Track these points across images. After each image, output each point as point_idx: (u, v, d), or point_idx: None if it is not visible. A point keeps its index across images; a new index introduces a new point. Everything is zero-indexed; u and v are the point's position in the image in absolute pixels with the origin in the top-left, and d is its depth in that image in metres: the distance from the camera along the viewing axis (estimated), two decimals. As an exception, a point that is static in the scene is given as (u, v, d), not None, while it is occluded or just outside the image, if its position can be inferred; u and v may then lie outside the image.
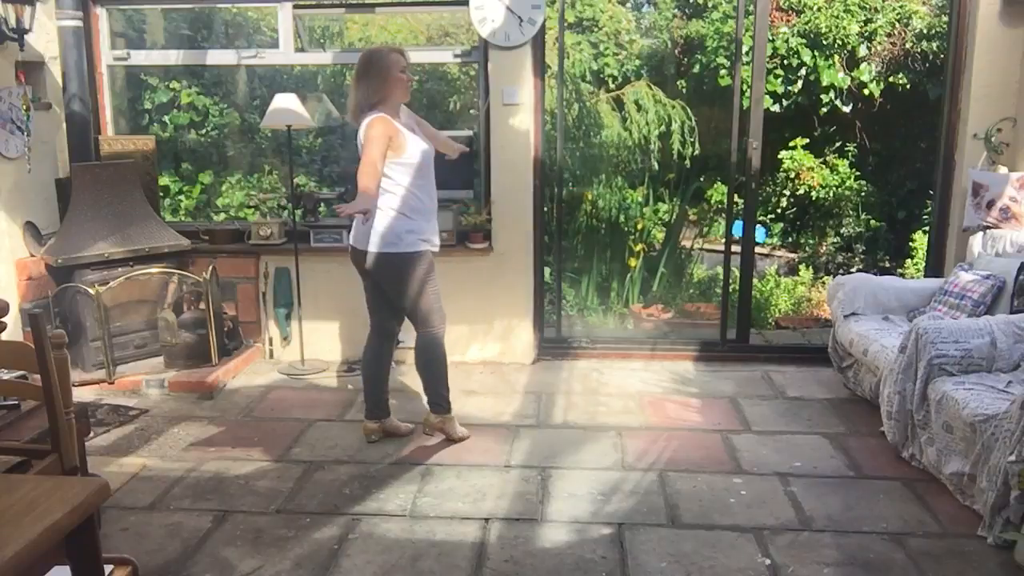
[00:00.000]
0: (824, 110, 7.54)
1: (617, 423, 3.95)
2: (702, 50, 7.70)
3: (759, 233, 7.49)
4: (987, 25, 4.33)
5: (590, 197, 6.88)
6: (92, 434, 3.72)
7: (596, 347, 5.00)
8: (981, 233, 4.29)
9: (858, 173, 7.74)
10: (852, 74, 7.41)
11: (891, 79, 7.39)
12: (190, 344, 4.53)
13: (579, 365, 4.83)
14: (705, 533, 2.90)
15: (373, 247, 3.45)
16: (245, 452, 3.61)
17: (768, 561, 2.72)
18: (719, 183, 7.81)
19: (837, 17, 7.30)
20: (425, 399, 3.78)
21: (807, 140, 7.78)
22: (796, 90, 7.48)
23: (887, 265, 7.43)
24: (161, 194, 5.57)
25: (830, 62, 7.34)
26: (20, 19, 4.09)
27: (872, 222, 7.61)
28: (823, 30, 7.26)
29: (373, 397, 3.73)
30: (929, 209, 5.69)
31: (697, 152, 7.00)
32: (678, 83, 7.82)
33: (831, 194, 7.68)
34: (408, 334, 3.68)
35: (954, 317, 3.84)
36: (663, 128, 6.96)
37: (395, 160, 3.38)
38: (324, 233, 4.81)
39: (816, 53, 7.32)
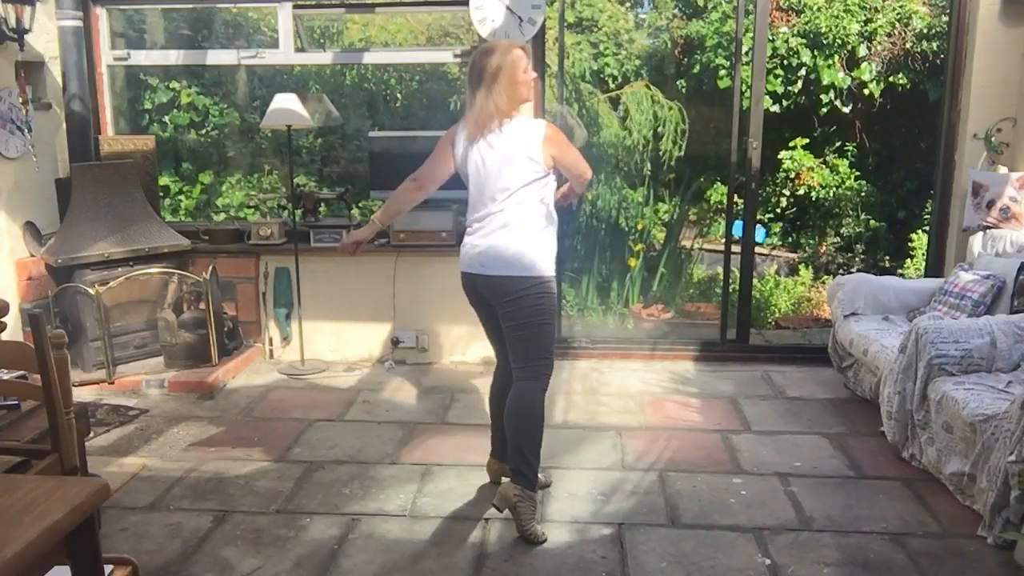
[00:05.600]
0: (824, 110, 7.54)
1: (617, 423, 3.95)
2: (702, 50, 7.70)
3: (759, 233, 7.49)
4: (987, 25, 4.33)
5: (589, 197, 6.89)
6: (92, 434, 3.71)
7: (596, 347, 5.00)
8: (981, 233, 4.29)
9: (858, 173, 7.74)
10: (852, 74, 7.41)
11: (891, 79, 7.39)
12: (190, 344, 4.53)
13: (579, 365, 4.82)
14: (705, 533, 2.90)
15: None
16: (245, 452, 3.61)
17: (768, 561, 2.72)
18: (719, 183, 7.81)
19: (837, 17, 7.30)
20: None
21: (807, 140, 7.78)
22: (796, 90, 7.47)
23: (887, 265, 7.43)
24: (161, 194, 5.57)
25: (830, 62, 7.34)
26: (20, 19, 4.09)
27: (872, 222, 7.62)
28: (823, 30, 7.26)
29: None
30: (929, 209, 5.69)
31: (682, 154, 6.97)
32: (678, 83, 7.82)
33: (831, 194, 7.68)
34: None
35: (954, 317, 3.84)
36: (659, 128, 6.95)
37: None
38: (324, 233, 4.80)
39: (816, 53, 7.32)
